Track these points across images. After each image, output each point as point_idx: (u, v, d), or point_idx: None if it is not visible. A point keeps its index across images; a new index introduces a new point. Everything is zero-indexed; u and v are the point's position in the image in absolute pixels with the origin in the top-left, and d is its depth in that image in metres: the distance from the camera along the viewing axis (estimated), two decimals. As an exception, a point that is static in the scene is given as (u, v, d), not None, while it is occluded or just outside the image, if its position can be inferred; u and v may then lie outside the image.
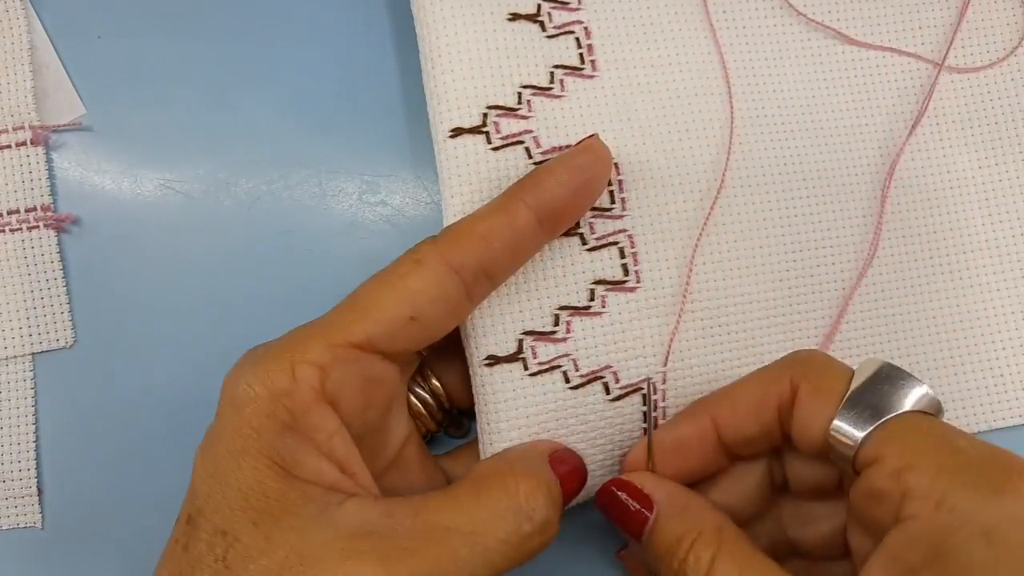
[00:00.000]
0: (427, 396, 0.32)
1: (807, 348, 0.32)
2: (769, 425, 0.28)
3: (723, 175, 0.33)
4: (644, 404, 0.32)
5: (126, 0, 0.36)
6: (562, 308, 0.31)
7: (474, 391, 0.31)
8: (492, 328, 0.31)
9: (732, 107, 0.34)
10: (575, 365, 0.31)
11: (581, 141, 0.31)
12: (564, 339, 0.31)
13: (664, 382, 0.32)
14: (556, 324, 0.31)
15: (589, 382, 0.31)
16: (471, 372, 0.31)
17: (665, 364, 0.32)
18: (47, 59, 0.36)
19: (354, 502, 0.25)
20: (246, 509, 0.25)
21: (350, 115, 0.36)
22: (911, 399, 0.27)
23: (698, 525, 0.27)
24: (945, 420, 0.27)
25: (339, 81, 0.36)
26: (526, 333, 0.31)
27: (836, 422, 0.27)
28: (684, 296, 0.32)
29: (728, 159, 0.33)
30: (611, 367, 0.31)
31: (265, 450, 0.25)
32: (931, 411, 0.27)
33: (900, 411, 0.26)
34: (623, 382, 0.31)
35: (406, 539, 0.25)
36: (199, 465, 0.26)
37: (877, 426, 0.26)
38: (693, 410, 0.30)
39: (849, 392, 0.27)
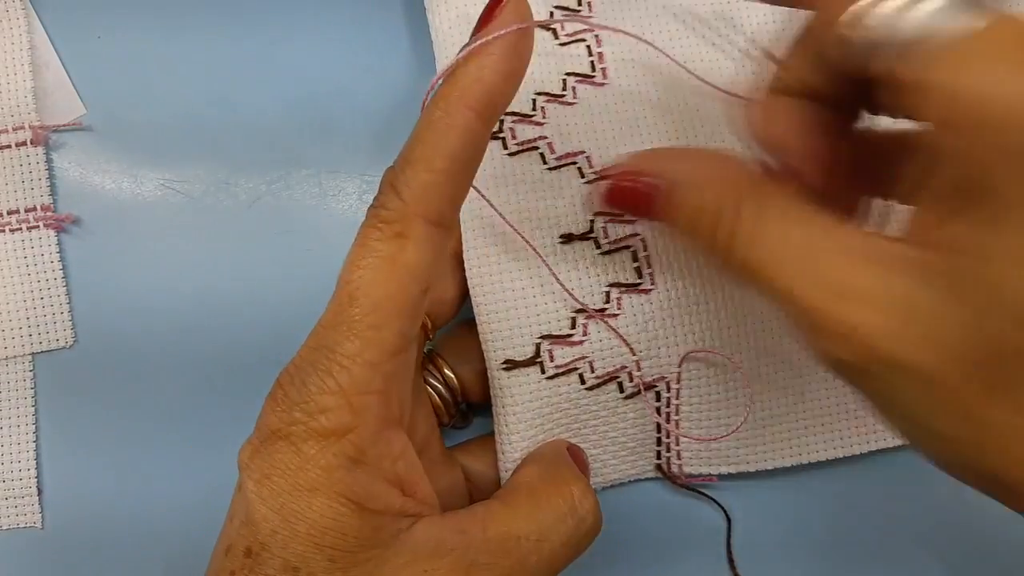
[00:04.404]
0: (443, 389, 0.32)
1: None
2: None
3: None
4: (657, 400, 0.32)
5: (126, -1, 0.37)
6: (579, 311, 0.31)
7: (492, 394, 0.31)
8: (509, 333, 0.31)
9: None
10: (591, 367, 0.31)
11: (491, 12, 0.24)
12: (580, 342, 0.31)
13: (678, 381, 0.32)
14: (573, 327, 0.31)
15: (604, 383, 0.32)
16: (489, 376, 0.31)
17: (680, 365, 0.32)
18: (47, 59, 0.36)
19: (423, 524, 0.25)
20: (321, 547, 0.24)
21: (350, 115, 0.36)
22: None
23: (736, 190, 0.24)
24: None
25: (339, 81, 0.36)
26: (543, 337, 0.31)
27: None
28: (699, 297, 0.32)
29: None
30: (626, 368, 0.32)
31: (338, 487, 0.24)
32: None
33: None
34: (636, 380, 0.32)
35: (483, 554, 0.25)
36: (257, 499, 0.24)
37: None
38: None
39: None
